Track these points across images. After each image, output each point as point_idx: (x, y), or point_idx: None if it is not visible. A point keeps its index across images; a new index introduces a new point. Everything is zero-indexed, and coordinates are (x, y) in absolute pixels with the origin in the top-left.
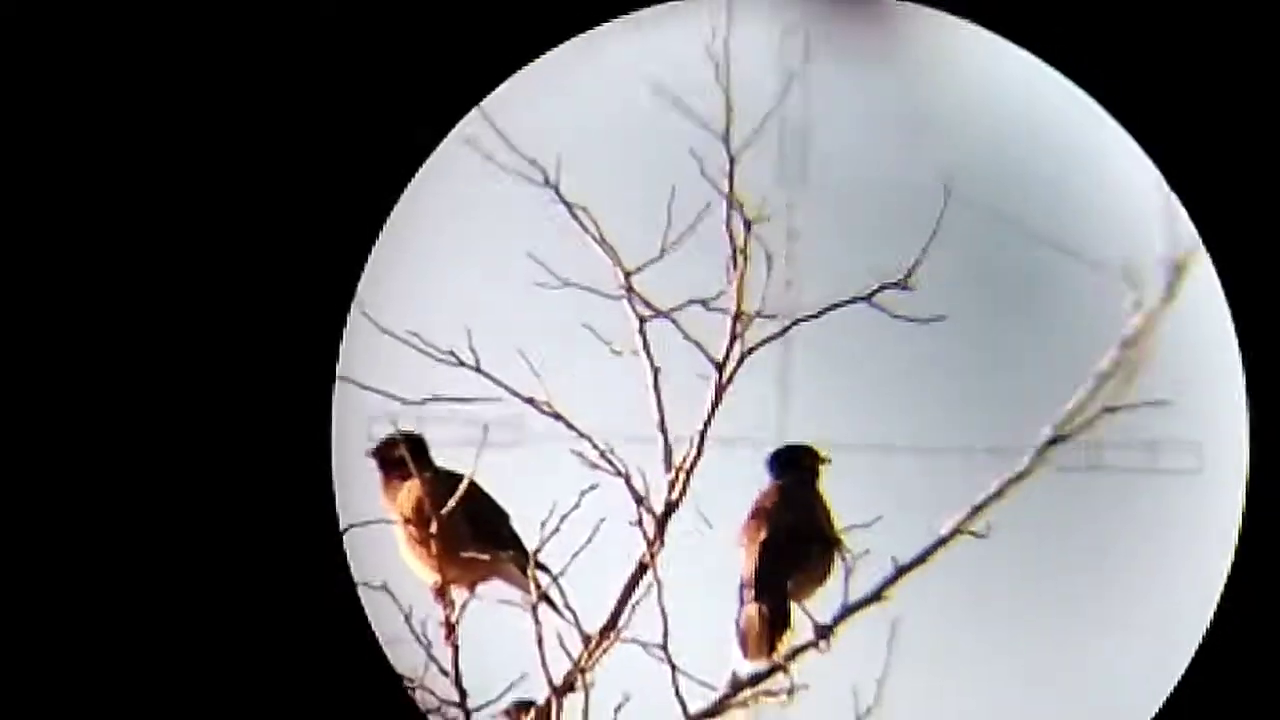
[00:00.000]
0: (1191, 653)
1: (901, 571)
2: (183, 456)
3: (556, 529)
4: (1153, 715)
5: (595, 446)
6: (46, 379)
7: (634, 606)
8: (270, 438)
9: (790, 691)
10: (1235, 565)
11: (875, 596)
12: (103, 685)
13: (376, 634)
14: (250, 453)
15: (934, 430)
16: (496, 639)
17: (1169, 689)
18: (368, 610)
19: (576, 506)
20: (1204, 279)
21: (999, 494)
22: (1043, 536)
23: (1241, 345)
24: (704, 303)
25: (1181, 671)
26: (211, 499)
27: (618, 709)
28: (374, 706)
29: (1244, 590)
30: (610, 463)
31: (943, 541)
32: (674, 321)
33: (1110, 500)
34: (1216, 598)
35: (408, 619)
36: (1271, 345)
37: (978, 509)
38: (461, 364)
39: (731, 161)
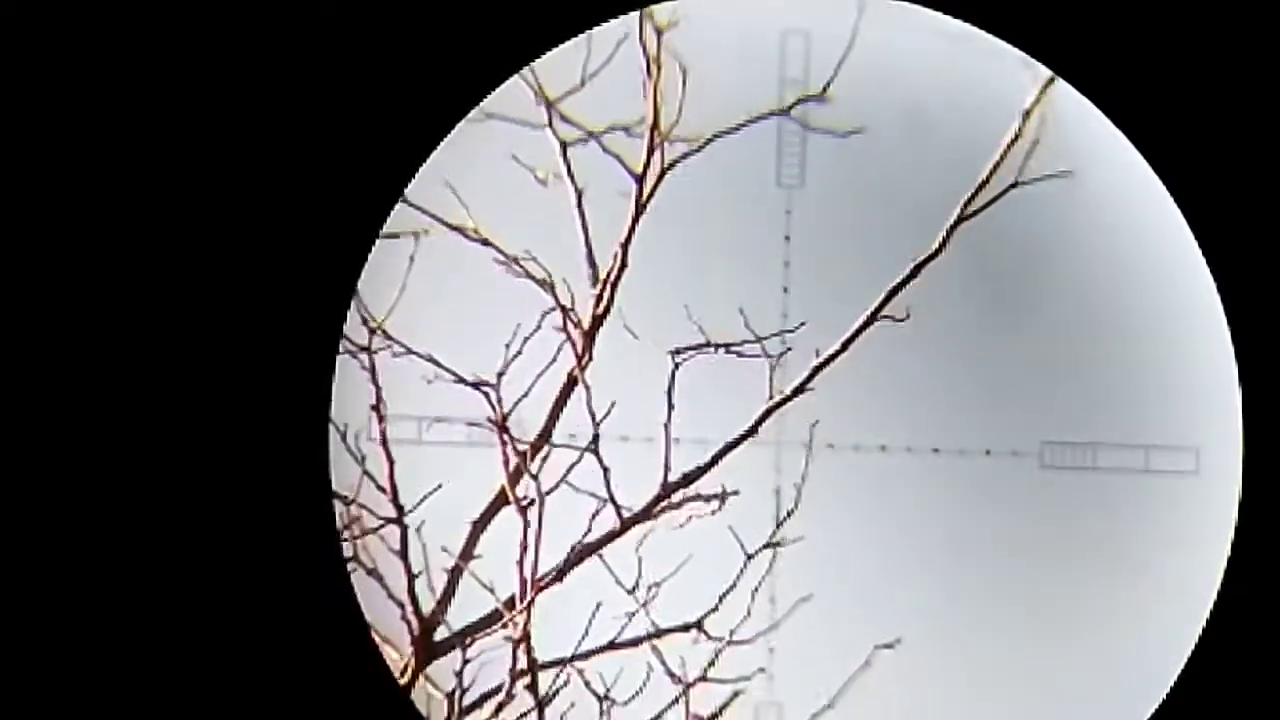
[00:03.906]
0: (1187, 654)
1: (825, 362)
2: (178, 434)
3: (519, 351)
4: (1148, 717)
5: (519, 264)
6: (42, 368)
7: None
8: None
9: (721, 498)
10: (1230, 567)
11: (798, 390)
12: (98, 675)
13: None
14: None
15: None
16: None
17: (1164, 691)
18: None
19: (538, 329)
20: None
21: (913, 275)
22: (1039, 537)
23: (1237, 349)
24: (626, 129)
25: (1177, 673)
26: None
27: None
28: (368, 701)
29: (1239, 592)
30: (530, 274)
31: (861, 329)
32: (597, 139)
33: (1106, 502)
34: (1212, 600)
35: (344, 436)
36: (1267, 349)
37: (893, 292)
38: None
39: None
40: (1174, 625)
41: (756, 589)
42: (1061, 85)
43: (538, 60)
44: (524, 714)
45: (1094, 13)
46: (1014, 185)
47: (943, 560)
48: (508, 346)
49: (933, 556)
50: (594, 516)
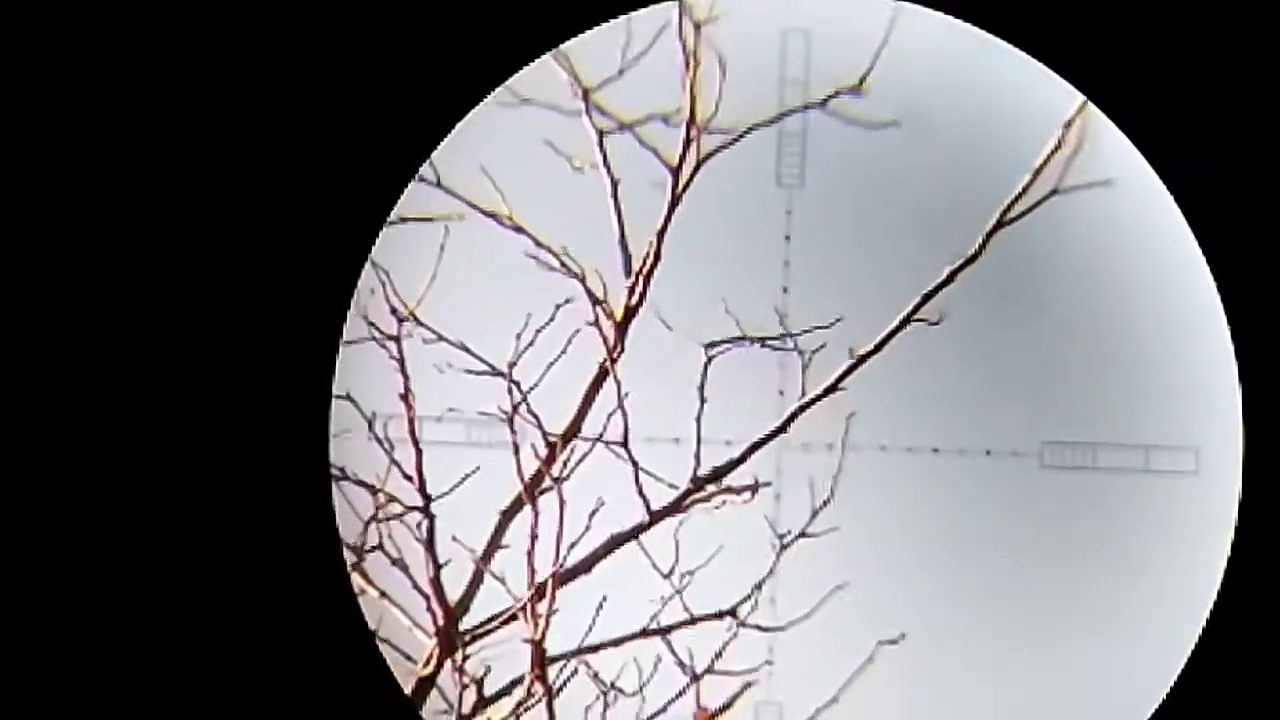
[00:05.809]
0: (1186, 655)
1: (859, 361)
2: (180, 432)
3: (532, 342)
4: (1147, 717)
5: (553, 253)
6: (39, 363)
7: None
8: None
9: (753, 489)
10: (1230, 567)
11: (832, 388)
12: (96, 679)
13: (376, 637)
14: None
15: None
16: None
17: (1164, 691)
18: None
19: (552, 320)
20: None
21: (950, 279)
22: (1039, 537)
23: (1237, 349)
24: (665, 118)
25: (1176, 674)
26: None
27: (599, 607)
28: (367, 699)
29: (1239, 592)
30: (567, 266)
31: (895, 330)
32: (632, 131)
33: (1106, 502)
34: (1212, 600)
35: (370, 424)
36: (1267, 349)
37: (929, 296)
38: (423, 180)
39: None
40: (1174, 625)
41: (758, 586)
42: (1062, 85)
43: (571, 45)
44: (536, 702)
45: (1086, 10)
46: (1053, 193)
47: (942, 560)
48: (518, 338)
49: (932, 556)
50: (590, 516)
